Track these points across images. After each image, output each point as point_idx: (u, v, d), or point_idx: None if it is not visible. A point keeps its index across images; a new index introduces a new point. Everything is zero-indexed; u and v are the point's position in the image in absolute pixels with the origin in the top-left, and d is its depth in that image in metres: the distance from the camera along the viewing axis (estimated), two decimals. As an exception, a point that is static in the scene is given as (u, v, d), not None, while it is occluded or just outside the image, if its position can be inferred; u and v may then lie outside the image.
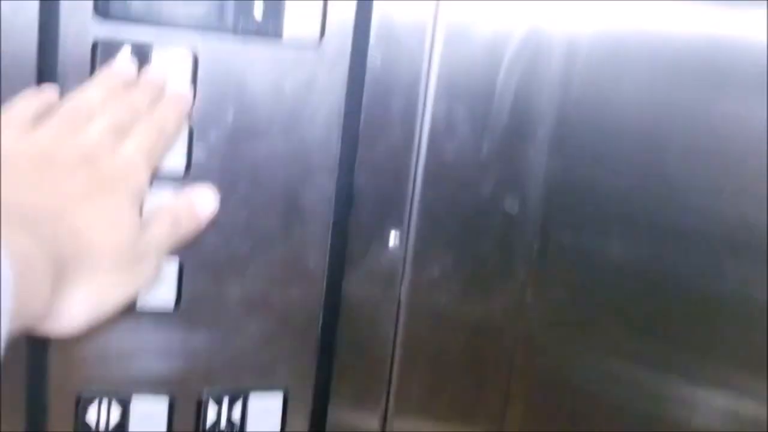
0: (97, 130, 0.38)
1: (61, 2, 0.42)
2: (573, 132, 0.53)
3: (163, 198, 0.40)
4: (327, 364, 0.52)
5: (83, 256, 0.33)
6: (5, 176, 0.33)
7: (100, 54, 0.43)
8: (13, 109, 0.39)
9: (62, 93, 0.42)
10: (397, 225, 0.52)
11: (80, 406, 0.47)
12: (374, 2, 0.48)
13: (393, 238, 0.52)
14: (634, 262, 0.56)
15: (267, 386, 0.50)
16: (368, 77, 0.49)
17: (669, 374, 0.56)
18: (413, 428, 0.57)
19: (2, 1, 0.42)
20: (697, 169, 0.51)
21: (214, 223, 0.42)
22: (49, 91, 0.41)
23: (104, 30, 0.43)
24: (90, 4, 0.43)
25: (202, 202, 0.41)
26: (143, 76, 0.42)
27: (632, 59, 0.52)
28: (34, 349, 0.46)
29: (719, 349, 0.55)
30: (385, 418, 0.56)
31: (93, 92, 0.40)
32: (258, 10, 0.44)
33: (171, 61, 0.44)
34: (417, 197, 0.52)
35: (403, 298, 0.53)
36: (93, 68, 0.44)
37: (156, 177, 0.42)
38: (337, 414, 0.53)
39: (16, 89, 0.41)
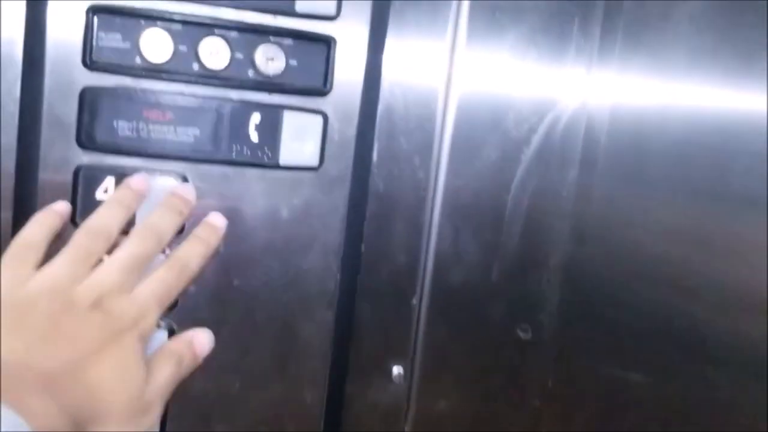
0: (115, 270, 0.37)
1: (43, 128, 0.40)
2: (589, 255, 0.50)
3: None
4: None
5: (96, 413, 0.34)
6: (25, 332, 0.34)
7: (82, 183, 0.40)
8: (26, 236, 0.38)
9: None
10: (401, 357, 0.48)
11: None
12: (377, 120, 0.45)
13: (396, 371, 0.49)
14: (652, 389, 0.52)
15: None
16: (370, 200, 0.46)
17: None
18: None
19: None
20: (719, 300, 0.48)
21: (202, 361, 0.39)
22: (61, 209, 0.39)
23: (87, 158, 0.41)
24: (72, 131, 0.40)
25: (201, 341, 0.39)
26: (168, 202, 0.40)
27: (657, 166, 0.50)
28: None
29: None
30: None
31: (107, 218, 0.38)
32: (253, 135, 0.42)
33: (158, 188, 0.41)
34: (422, 327, 0.48)
35: (407, 436, 0.49)
36: (74, 193, 0.41)
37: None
38: None
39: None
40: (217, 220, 0.41)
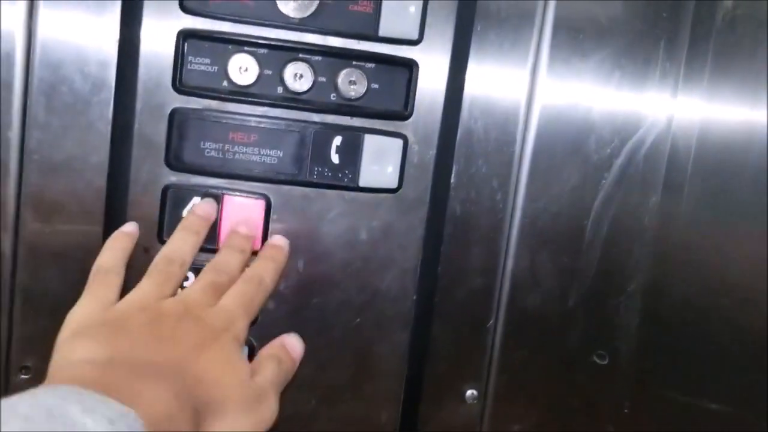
0: (196, 289, 0.39)
1: (134, 148, 0.41)
2: (670, 281, 0.49)
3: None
4: None
5: (212, 402, 0.35)
6: (125, 339, 0.35)
7: (170, 201, 0.42)
8: (104, 263, 0.40)
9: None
10: (475, 380, 0.48)
11: None
12: (456, 143, 0.46)
13: (470, 393, 0.49)
14: (731, 419, 0.50)
15: None
16: (447, 223, 0.46)
17: None
18: None
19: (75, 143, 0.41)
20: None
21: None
22: (130, 230, 0.41)
23: (174, 178, 0.42)
24: (161, 152, 0.42)
25: (293, 343, 0.41)
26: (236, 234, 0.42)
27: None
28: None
29: None
30: None
31: (181, 245, 0.41)
32: (334, 157, 0.43)
33: (243, 209, 0.42)
34: (497, 350, 0.48)
35: (480, 458, 0.49)
36: (162, 211, 0.42)
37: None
38: None
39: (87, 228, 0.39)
40: (280, 241, 0.43)
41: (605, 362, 0.49)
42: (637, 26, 0.47)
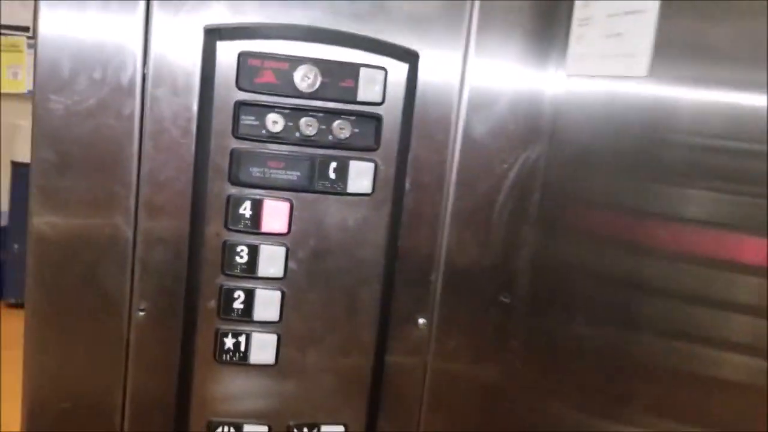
0: None
1: (209, 172, 0.68)
2: (553, 243, 0.76)
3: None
4: (374, 408, 0.75)
5: None
6: None
7: (231, 204, 0.68)
8: None
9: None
10: (425, 313, 0.76)
11: (209, 428, 0.71)
12: (408, 163, 0.72)
13: (422, 322, 0.76)
14: (594, 341, 0.78)
15: (332, 421, 0.74)
16: (404, 214, 0.73)
17: (619, 423, 0.77)
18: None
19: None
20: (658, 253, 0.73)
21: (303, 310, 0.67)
22: None
23: (234, 189, 0.69)
24: (226, 173, 0.68)
25: None
26: None
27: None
28: (182, 389, 0.71)
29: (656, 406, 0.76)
30: (416, 450, 0.78)
31: None
32: (332, 174, 0.69)
33: (275, 210, 0.69)
34: (438, 294, 0.75)
35: (429, 363, 0.77)
36: (226, 212, 0.69)
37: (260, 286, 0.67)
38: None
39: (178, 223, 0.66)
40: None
41: (508, 300, 0.77)
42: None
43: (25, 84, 3.72)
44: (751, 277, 0.76)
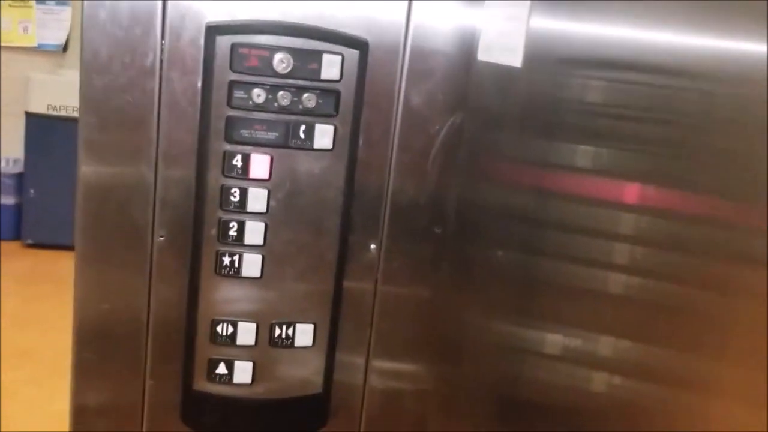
0: None
1: (211, 132, 0.91)
2: (475, 185, 1.00)
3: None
4: (337, 312, 0.99)
5: None
6: None
7: (227, 157, 0.92)
8: None
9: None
10: (375, 240, 0.99)
11: (213, 325, 0.96)
12: (360, 125, 0.95)
13: (373, 247, 0.99)
14: (505, 265, 1.01)
15: (305, 320, 0.98)
16: (358, 165, 0.96)
17: (527, 329, 1.01)
18: (391, 361, 1.04)
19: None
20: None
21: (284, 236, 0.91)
22: None
23: (229, 146, 0.92)
24: (223, 133, 0.91)
25: None
26: None
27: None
28: (191, 296, 0.95)
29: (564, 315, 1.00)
30: (368, 348, 1.03)
31: None
32: (302, 135, 0.92)
33: (259, 161, 0.92)
34: (385, 227, 0.99)
35: (378, 280, 1.01)
36: (223, 161, 0.92)
37: (249, 219, 0.91)
38: (341, 335, 1.01)
39: (187, 172, 0.90)
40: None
41: (440, 231, 1.00)
42: None
43: (35, 38, 3.92)
44: (629, 214, 1.00)
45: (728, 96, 0.91)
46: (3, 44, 3.91)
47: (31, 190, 3.75)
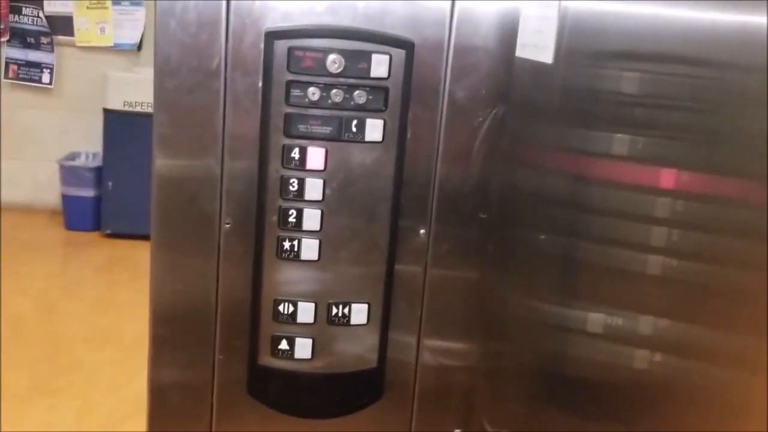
0: None
1: (270, 128, 0.99)
2: (517, 174, 1.06)
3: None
4: (389, 293, 1.07)
5: None
6: None
7: (285, 150, 1.00)
8: None
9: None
10: (424, 226, 1.06)
11: (275, 305, 1.05)
12: (408, 120, 1.02)
13: (422, 232, 1.07)
14: (546, 249, 1.07)
15: (360, 301, 1.06)
16: (407, 154, 1.03)
17: (569, 309, 1.07)
18: (441, 340, 1.11)
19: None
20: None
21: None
22: None
23: (287, 140, 1.00)
24: (282, 129, 0.99)
25: None
26: None
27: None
28: (256, 279, 1.04)
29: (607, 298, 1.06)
30: (420, 327, 1.10)
31: None
32: (354, 129, 1.00)
33: (315, 153, 1.00)
34: (434, 213, 1.06)
35: (427, 263, 1.08)
36: (283, 153, 1.00)
37: (306, 206, 0.99)
38: (393, 315, 1.08)
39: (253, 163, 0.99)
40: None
41: (485, 216, 1.07)
42: None
43: (111, 38, 4.10)
44: (665, 198, 1.05)
45: (758, 83, 0.96)
46: (81, 44, 4.10)
47: (109, 183, 3.92)
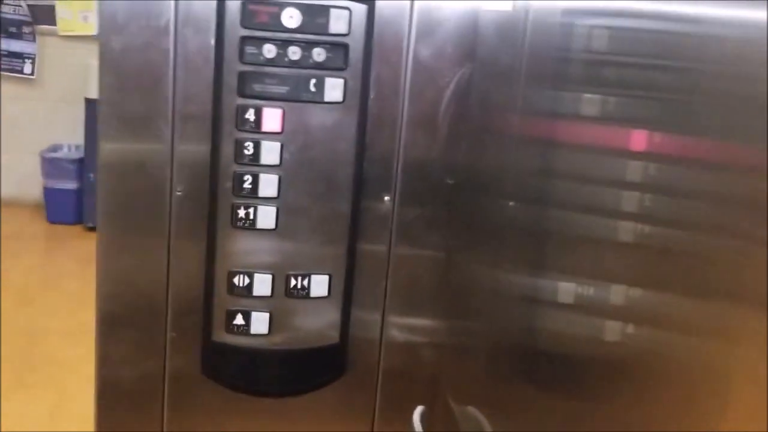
0: None
1: (224, 89, 0.94)
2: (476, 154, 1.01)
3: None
4: (352, 263, 1.02)
5: None
6: None
7: (240, 111, 0.94)
8: None
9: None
10: (389, 193, 1.01)
11: (230, 277, 0.99)
12: (371, 78, 0.97)
13: (386, 199, 1.01)
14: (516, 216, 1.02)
15: (320, 272, 1.01)
16: (369, 118, 0.98)
17: (539, 279, 1.02)
18: (407, 315, 1.06)
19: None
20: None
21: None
22: None
23: (242, 100, 0.95)
24: (235, 88, 0.94)
25: None
26: None
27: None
28: (210, 249, 0.98)
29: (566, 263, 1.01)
30: (384, 301, 1.05)
31: None
32: (312, 88, 0.95)
33: (271, 115, 0.95)
34: (399, 178, 1.01)
35: (392, 231, 1.02)
36: (237, 113, 0.95)
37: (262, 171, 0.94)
38: (356, 288, 1.03)
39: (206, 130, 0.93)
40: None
41: (453, 182, 1.01)
42: None
43: (94, 27, 4.04)
44: (636, 162, 1.00)
45: (732, 39, 0.91)
46: (64, 33, 4.04)
47: (92, 175, 3.87)
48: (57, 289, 3.39)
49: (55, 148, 4.06)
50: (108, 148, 0.97)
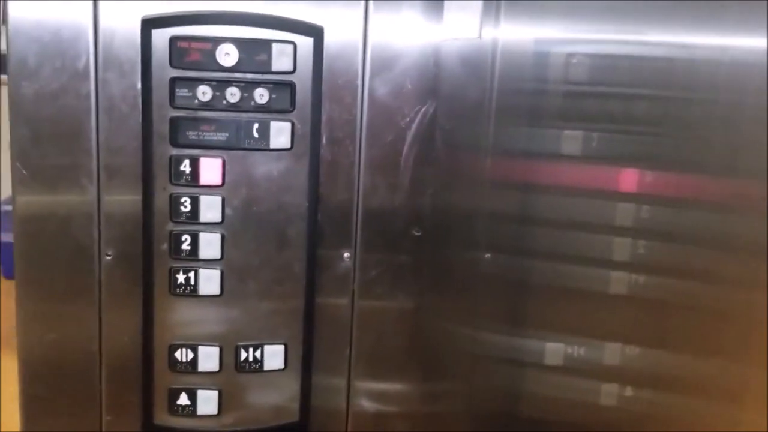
0: None
1: (154, 137, 0.82)
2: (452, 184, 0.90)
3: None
4: (310, 330, 0.90)
5: None
6: None
7: (173, 163, 0.83)
8: None
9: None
10: (349, 249, 0.90)
11: (171, 351, 0.87)
12: (322, 122, 0.86)
13: (347, 256, 0.90)
14: (490, 268, 0.91)
15: (274, 341, 0.89)
16: (321, 165, 0.87)
17: (522, 339, 0.91)
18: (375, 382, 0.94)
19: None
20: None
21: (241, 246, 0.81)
22: None
23: (175, 150, 0.83)
24: (167, 137, 0.82)
25: None
26: None
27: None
28: (146, 319, 0.86)
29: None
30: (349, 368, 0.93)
31: None
32: (255, 134, 0.83)
33: (210, 165, 0.83)
34: (359, 231, 0.89)
35: (355, 290, 0.91)
36: (170, 168, 0.83)
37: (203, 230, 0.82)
38: (316, 355, 0.91)
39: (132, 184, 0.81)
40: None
41: (420, 233, 0.90)
42: None
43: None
44: (626, 204, 0.89)
45: (732, 65, 0.81)
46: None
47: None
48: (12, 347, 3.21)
49: (9, 201, 3.88)
50: (25, 209, 0.85)
